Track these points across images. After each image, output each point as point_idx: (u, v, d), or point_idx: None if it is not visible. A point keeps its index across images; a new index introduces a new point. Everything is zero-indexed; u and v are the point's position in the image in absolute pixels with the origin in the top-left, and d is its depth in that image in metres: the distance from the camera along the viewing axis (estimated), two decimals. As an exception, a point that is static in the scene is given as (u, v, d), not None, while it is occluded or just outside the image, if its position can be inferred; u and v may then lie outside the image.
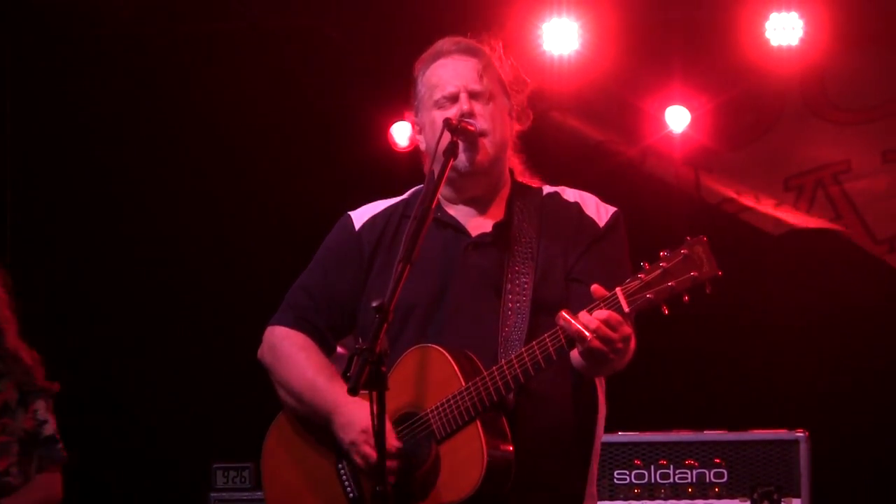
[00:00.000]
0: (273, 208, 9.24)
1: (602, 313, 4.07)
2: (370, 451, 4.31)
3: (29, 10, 8.94)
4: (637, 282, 4.08)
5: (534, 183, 4.67)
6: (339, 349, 4.67)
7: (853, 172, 9.07)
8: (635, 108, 9.07)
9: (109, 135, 9.26)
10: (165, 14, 8.93)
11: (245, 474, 7.39)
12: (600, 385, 4.55)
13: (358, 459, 4.36)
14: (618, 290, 4.09)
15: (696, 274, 4.04)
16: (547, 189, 4.64)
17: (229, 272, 9.19)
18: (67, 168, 9.28)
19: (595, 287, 4.12)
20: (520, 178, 4.67)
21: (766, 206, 9.15)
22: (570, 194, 4.62)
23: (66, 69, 9.19)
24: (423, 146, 4.62)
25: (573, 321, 4.09)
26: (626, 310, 4.08)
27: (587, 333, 4.06)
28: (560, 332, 4.18)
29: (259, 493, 7.31)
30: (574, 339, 4.11)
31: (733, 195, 9.18)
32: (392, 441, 4.31)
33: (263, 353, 4.70)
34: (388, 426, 4.31)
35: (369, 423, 4.21)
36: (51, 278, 9.27)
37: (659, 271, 4.07)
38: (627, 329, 4.11)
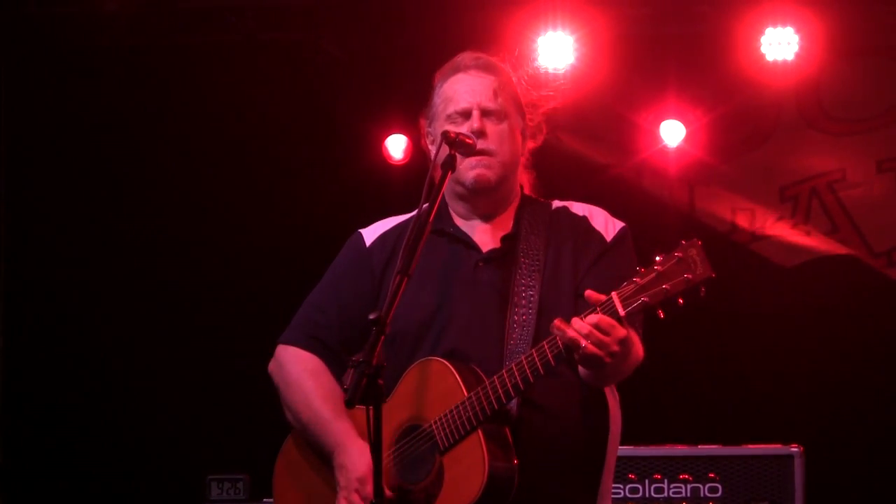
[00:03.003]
0: (269, 220, 9.24)
1: (593, 317, 4.08)
2: (357, 500, 4.35)
3: (25, 22, 8.94)
4: (632, 285, 4.09)
5: (538, 197, 4.68)
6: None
7: (848, 181, 9.08)
8: (630, 123, 9.09)
9: (104, 147, 9.26)
10: (161, 27, 8.93)
11: (240, 486, 7.36)
12: (613, 398, 4.54)
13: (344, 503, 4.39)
14: (613, 294, 4.10)
15: (689, 276, 4.04)
16: (556, 203, 4.65)
17: (226, 284, 9.19)
18: (63, 179, 9.27)
19: (589, 292, 4.13)
20: (532, 194, 4.68)
21: (762, 225, 9.15)
22: (578, 208, 4.63)
23: (62, 81, 9.19)
24: (432, 155, 4.61)
25: (566, 329, 4.10)
26: (622, 313, 4.08)
27: (581, 339, 4.07)
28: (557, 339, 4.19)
29: (253, 505, 7.31)
30: (569, 346, 4.11)
31: (728, 216, 9.19)
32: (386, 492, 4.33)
33: (273, 370, 4.70)
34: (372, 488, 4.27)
35: (364, 471, 4.34)
36: (46, 288, 9.27)
37: (653, 274, 4.07)
38: (621, 331, 4.10)
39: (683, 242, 4.10)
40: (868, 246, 9.05)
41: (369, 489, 4.31)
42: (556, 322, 4.13)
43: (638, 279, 4.09)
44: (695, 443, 6.90)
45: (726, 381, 8.90)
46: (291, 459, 4.65)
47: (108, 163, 9.28)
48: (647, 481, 6.82)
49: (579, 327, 4.08)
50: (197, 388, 9.07)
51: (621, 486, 6.81)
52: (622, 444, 6.74)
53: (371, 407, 3.97)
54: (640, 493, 6.81)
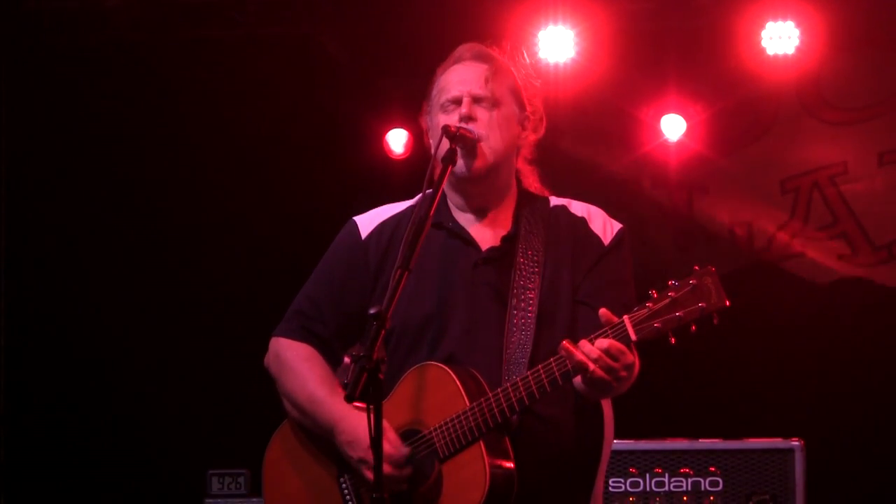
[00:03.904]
0: (270, 215, 9.24)
1: (603, 342, 4.07)
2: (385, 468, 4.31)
3: (26, 17, 8.94)
4: (645, 310, 4.07)
5: (542, 193, 4.64)
6: (346, 359, 4.66)
7: (849, 174, 9.07)
8: (631, 117, 9.08)
9: (104, 142, 9.26)
10: (162, 21, 8.93)
11: (240, 480, 7.37)
12: (607, 404, 4.53)
13: (369, 475, 4.32)
14: (626, 318, 4.08)
15: (704, 305, 4.04)
16: (554, 201, 4.62)
17: (227, 279, 9.19)
18: (64, 175, 9.27)
19: (603, 311, 4.10)
20: (534, 190, 4.64)
21: (764, 222, 9.16)
22: (577, 208, 4.59)
23: (62, 76, 9.18)
24: (432, 150, 4.56)
25: (575, 351, 4.08)
26: (634, 338, 4.07)
27: (590, 364, 4.06)
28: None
29: (254, 500, 7.31)
30: (576, 369, 4.10)
31: (728, 210, 9.19)
32: (402, 449, 4.33)
33: (269, 362, 4.69)
34: (394, 435, 4.33)
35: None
36: (47, 286, 9.26)
37: (667, 300, 4.05)
38: (630, 357, 4.11)
39: (697, 269, 4.08)
40: (869, 239, 9.04)
41: (388, 449, 4.29)
42: (565, 343, 4.11)
43: (651, 304, 4.07)
44: (695, 437, 6.89)
45: (727, 375, 8.89)
46: (288, 448, 4.62)
47: (109, 157, 9.27)
48: (647, 475, 6.81)
49: (588, 351, 4.08)
50: (198, 384, 9.07)
51: (622, 480, 6.82)
52: (623, 438, 6.80)
53: (370, 402, 3.97)
54: (641, 487, 6.81)
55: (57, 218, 9.27)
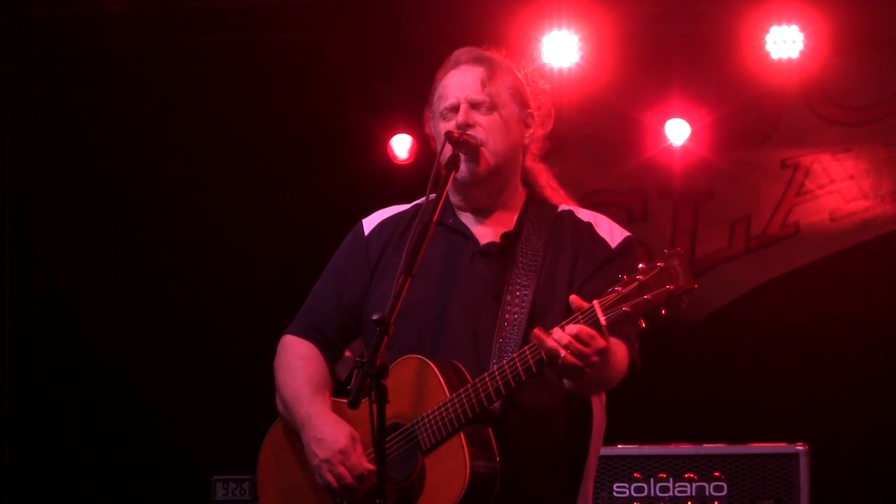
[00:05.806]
0: (275, 222, 9.25)
1: (573, 328, 4.07)
2: (344, 472, 4.35)
3: (30, 23, 8.96)
4: (614, 294, 4.08)
5: (552, 199, 4.64)
6: (346, 353, 4.70)
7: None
8: (635, 121, 9.08)
9: (109, 148, 9.26)
10: (167, 27, 8.94)
11: (245, 486, 7.38)
12: (598, 401, 4.53)
13: (330, 478, 4.36)
14: (595, 303, 4.09)
15: (671, 287, 4.04)
16: (562, 206, 4.62)
17: (231, 285, 9.20)
18: (69, 181, 9.28)
19: (573, 297, 4.13)
20: (547, 190, 4.65)
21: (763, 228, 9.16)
22: (583, 214, 4.60)
23: (67, 82, 9.20)
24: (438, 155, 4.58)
25: (546, 338, 4.09)
26: (604, 323, 4.07)
27: (560, 349, 4.06)
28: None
29: (259, 506, 7.33)
30: (548, 355, 4.10)
31: (729, 211, 9.21)
32: (366, 464, 4.34)
33: (274, 360, 4.72)
34: (361, 448, 4.35)
35: (346, 442, 4.35)
36: (52, 291, 9.27)
37: (635, 284, 4.06)
38: (601, 342, 4.09)
39: (666, 251, 4.09)
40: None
41: (354, 460, 4.34)
42: (536, 331, 4.12)
43: (620, 287, 4.08)
44: (700, 441, 6.89)
45: (731, 380, 8.89)
46: (280, 447, 4.63)
47: (114, 162, 9.28)
48: (652, 480, 6.81)
49: (559, 337, 4.08)
50: (202, 389, 9.07)
51: (626, 485, 6.82)
52: (627, 443, 6.80)
53: (374, 406, 3.98)
54: (646, 492, 6.81)
55: (63, 224, 9.28)
